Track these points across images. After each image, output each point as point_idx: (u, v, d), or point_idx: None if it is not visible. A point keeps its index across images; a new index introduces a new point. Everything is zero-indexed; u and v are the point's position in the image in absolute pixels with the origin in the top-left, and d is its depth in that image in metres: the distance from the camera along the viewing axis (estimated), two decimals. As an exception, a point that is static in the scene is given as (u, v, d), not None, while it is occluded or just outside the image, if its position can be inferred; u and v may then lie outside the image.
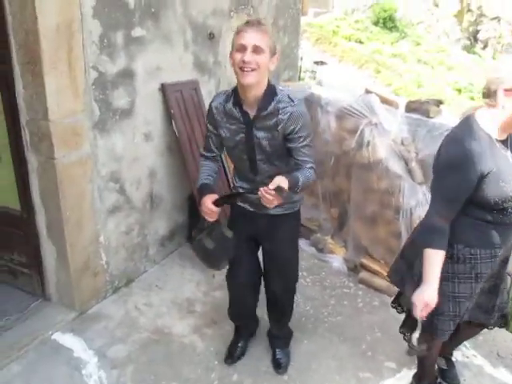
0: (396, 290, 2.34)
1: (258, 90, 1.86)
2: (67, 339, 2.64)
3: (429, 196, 3.27)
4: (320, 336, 2.73)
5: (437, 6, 18.25)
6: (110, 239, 3.00)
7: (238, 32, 1.81)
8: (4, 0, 2.25)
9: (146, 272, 3.31)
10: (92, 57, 2.56)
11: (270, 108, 1.88)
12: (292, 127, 1.89)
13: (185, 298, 3.05)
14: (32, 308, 2.88)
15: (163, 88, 3.14)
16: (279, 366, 2.46)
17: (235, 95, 1.92)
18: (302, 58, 6.64)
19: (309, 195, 3.92)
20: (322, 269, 3.45)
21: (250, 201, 2.06)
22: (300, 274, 3.29)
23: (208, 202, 1.93)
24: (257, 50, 1.76)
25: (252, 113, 1.90)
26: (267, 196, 1.77)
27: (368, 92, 3.48)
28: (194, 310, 2.94)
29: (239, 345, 2.56)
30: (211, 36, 3.47)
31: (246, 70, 1.76)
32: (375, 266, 3.25)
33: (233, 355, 2.51)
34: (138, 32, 2.80)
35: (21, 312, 2.84)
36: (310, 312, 2.94)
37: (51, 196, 2.63)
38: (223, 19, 3.58)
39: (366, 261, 3.30)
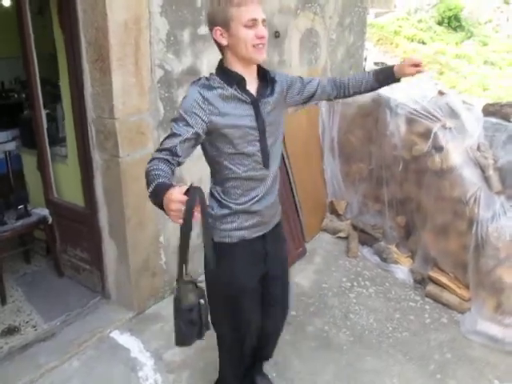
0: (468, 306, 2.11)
1: (256, 66, 1.66)
2: (125, 339, 2.62)
3: (507, 206, 3.04)
4: (384, 352, 2.56)
5: (507, 3, 17.25)
6: (170, 240, 2.96)
7: (240, 5, 1.49)
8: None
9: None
10: (159, 54, 2.53)
11: (271, 80, 1.70)
12: (288, 84, 1.77)
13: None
14: (91, 305, 2.90)
15: (227, 87, 3.08)
16: None
17: (230, 77, 1.59)
18: (366, 59, 6.41)
19: (373, 201, 3.74)
20: (386, 279, 3.26)
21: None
22: (362, 283, 3.18)
23: (176, 192, 1.25)
24: (264, 23, 1.57)
25: (253, 91, 1.63)
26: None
27: (442, 93, 3.26)
28: (251, 316, 2.85)
29: None
30: (277, 34, 3.37)
31: (260, 45, 1.54)
32: (444, 280, 3.03)
33: None
34: (204, 30, 2.75)
35: (81, 308, 2.86)
36: (373, 325, 2.77)
37: (114, 194, 2.62)
38: (289, 17, 3.48)
39: (434, 273, 3.08)
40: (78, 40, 2.37)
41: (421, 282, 3.16)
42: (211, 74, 1.63)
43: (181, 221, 1.27)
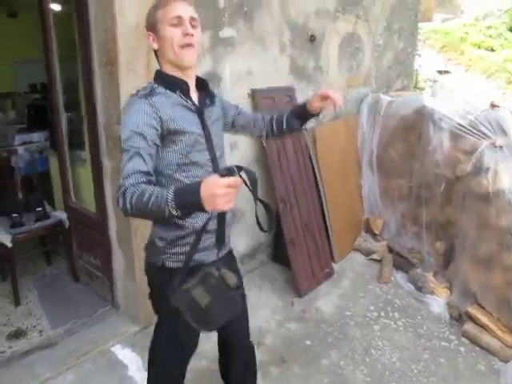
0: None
1: (194, 72, 1.55)
2: (125, 354, 2.49)
3: None
4: (406, 399, 2.27)
5: None
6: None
7: (165, 5, 1.44)
8: (88, 2, 2.16)
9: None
10: (174, 58, 2.39)
11: (212, 93, 1.61)
12: (223, 102, 1.73)
13: (256, 327, 2.75)
14: (99, 314, 2.81)
15: (253, 94, 2.90)
16: None
17: (171, 83, 1.49)
18: (420, 66, 6.00)
19: (412, 222, 3.42)
20: (419, 311, 2.93)
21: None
22: (391, 314, 2.88)
23: (217, 179, 1.16)
24: (193, 22, 1.45)
25: (195, 99, 1.53)
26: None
27: (494, 106, 2.89)
28: (263, 343, 2.64)
29: None
30: (312, 38, 3.14)
31: (186, 46, 1.43)
32: (484, 319, 2.66)
33: None
34: (226, 33, 2.59)
35: (89, 316, 2.78)
36: (396, 365, 2.47)
37: (124, 202, 2.51)
38: (327, 20, 3.24)
39: (473, 310, 2.73)
40: (90, 43, 2.28)
41: (458, 318, 2.81)
42: (149, 83, 1.50)
43: (232, 204, 1.16)
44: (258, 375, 2.36)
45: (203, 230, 1.37)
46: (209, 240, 1.56)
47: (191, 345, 1.70)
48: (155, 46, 1.48)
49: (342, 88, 3.55)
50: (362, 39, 3.65)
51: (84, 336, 2.62)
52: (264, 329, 2.75)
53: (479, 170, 2.73)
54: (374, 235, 3.69)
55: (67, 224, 3.03)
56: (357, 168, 3.76)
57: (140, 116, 1.37)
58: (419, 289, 3.08)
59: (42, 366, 2.38)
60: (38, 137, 3.67)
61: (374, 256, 3.50)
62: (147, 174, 1.33)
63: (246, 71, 2.80)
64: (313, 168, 3.31)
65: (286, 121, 1.75)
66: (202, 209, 1.17)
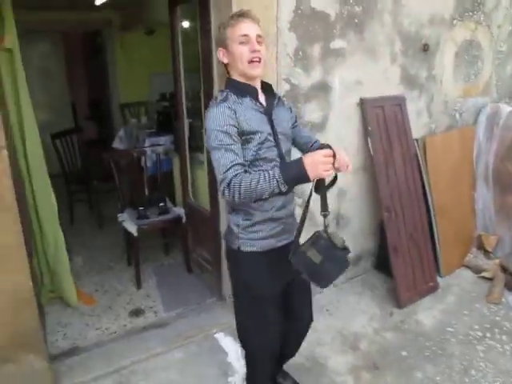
0: None
1: (260, 80, 1.75)
2: (227, 342, 2.70)
3: None
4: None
5: None
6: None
7: (234, 25, 1.64)
8: (211, 22, 2.44)
9: (321, 293, 3.14)
10: (285, 69, 2.56)
11: (275, 94, 1.79)
12: (290, 107, 1.93)
13: (352, 332, 2.81)
14: (207, 304, 3.08)
15: (362, 103, 2.96)
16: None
17: (242, 89, 1.68)
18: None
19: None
20: (533, 336, 2.74)
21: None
22: (498, 336, 2.74)
23: (319, 152, 1.48)
24: (260, 39, 1.66)
25: (263, 101, 1.73)
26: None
27: None
28: (357, 347, 2.68)
29: None
30: (426, 47, 3.11)
31: (255, 61, 1.63)
32: None
33: None
34: (337, 44, 2.69)
35: (198, 304, 3.07)
36: (498, 390, 2.35)
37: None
38: (443, 28, 3.17)
39: None
40: (211, 57, 2.54)
41: None
42: (221, 91, 1.72)
43: (331, 172, 1.48)
44: (350, 379, 2.44)
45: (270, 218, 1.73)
46: (278, 227, 1.78)
47: (271, 323, 1.88)
48: (225, 61, 1.70)
49: (456, 97, 3.44)
50: (482, 46, 3.49)
51: (192, 321, 2.89)
52: (360, 334, 2.78)
53: None
54: (486, 252, 3.49)
55: (184, 219, 3.36)
56: (471, 181, 3.59)
57: (222, 117, 1.59)
58: (534, 312, 2.87)
59: (154, 342, 2.70)
60: (164, 140, 4.11)
61: (485, 274, 3.32)
62: (242, 164, 1.56)
63: (356, 81, 2.87)
64: (421, 179, 3.25)
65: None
66: (306, 179, 1.46)
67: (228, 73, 1.75)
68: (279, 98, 1.81)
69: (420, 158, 3.24)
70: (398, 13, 2.90)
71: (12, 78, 2.56)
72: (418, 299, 3.10)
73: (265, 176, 1.48)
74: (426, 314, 2.97)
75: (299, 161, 1.47)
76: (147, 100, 6.35)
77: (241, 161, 1.56)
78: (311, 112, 2.76)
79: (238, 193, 1.49)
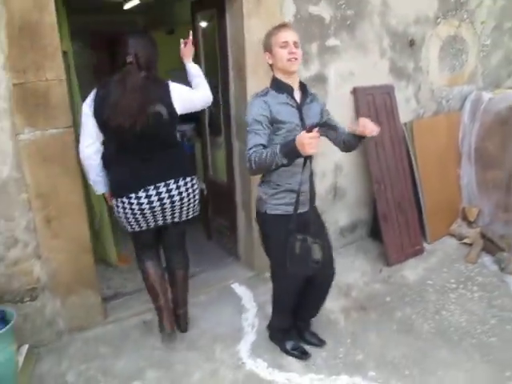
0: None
1: (297, 78, 2.26)
2: (241, 290, 3.30)
3: None
4: (462, 349, 2.64)
5: None
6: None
7: (276, 33, 2.17)
8: (226, 26, 3.00)
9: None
10: (288, 64, 3.10)
11: (310, 93, 2.29)
12: (323, 106, 2.41)
13: (346, 283, 3.34)
14: (225, 262, 3.67)
15: (354, 91, 3.48)
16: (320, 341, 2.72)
17: (281, 87, 2.20)
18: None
19: (504, 210, 3.67)
20: (498, 288, 3.23)
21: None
22: (470, 287, 3.25)
23: (304, 134, 1.85)
24: (296, 44, 2.16)
25: (298, 99, 2.23)
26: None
27: None
28: (349, 295, 3.22)
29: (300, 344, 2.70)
30: (412, 43, 3.61)
31: (292, 60, 2.13)
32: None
33: (306, 351, 2.66)
34: (331, 42, 3.22)
35: (216, 264, 3.65)
36: (461, 325, 2.86)
37: (246, 175, 3.29)
38: (427, 26, 3.67)
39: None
40: (227, 55, 3.10)
41: (533, 295, 3.06)
42: (266, 87, 2.26)
43: (315, 150, 1.85)
44: (341, 316, 2.98)
45: (292, 190, 2.21)
46: (303, 197, 2.24)
47: (298, 277, 2.37)
48: (270, 62, 2.24)
49: (442, 86, 3.93)
50: (466, 41, 3.96)
51: (213, 274, 3.49)
52: (352, 285, 3.33)
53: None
54: (469, 223, 3.98)
55: (205, 192, 3.94)
56: (457, 160, 4.08)
57: (257, 109, 2.13)
58: (502, 269, 3.36)
59: (183, 289, 3.30)
60: (187, 127, 4.70)
61: (466, 240, 3.81)
62: (263, 145, 2.06)
63: (349, 72, 3.39)
64: (409, 157, 3.76)
65: (345, 141, 2.32)
66: (298, 154, 1.88)
67: (272, 71, 2.26)
68: (313, 95, 2.31)
69: (408, 139, 3.75)
70: (386, 14, 3.40)
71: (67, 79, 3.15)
72: (404, 259, 3.62)
73: (271, 151, 1.96)
74: (411, 271, 3.50)
75: (293, 140, 1.90)
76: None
77: (263, 142, 2.05)
78: (311, 99, 3.30)
79: (254, 163, 2.01)
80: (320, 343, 2.71)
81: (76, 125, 2.69)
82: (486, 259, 3.59)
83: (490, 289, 3.23)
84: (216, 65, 3.40)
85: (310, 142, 1.84)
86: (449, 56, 3.90)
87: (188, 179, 2.50)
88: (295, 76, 2.24)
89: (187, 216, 2.62)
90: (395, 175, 3.64)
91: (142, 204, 2.41)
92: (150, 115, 2.30)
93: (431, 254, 3.73)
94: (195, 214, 2.68)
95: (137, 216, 2.46)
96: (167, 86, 2.40)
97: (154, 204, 2.42)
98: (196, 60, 3.63)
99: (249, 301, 3.16)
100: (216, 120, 3.81)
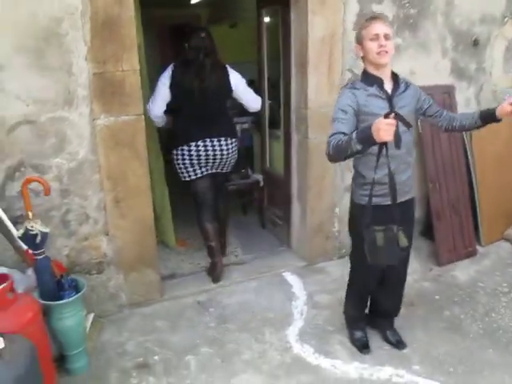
0: None
1: (389, 70, 2.23)
2: (292, 278, 3.42)
3: None
4: (510, 353, 2.63)
5: None
6: (344, 212, 3.57)
7: (367, 26, 2.16)
8: (291, 22, 3.11)
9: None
10: (349, 61, 3.18)
11: (401, 82, 2.26)
12: (419, 94, 2.33)
13: (395, 279, 3.39)
14: (277, 251, 3.81)
15: (415, 90, 3.49)
16: (400, 342, 2.71)
17: (370, 79, 2.20)
18: None
19: None
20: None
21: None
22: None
23: (381, 119, 1.82)
24: (387, 37, 2.13)
25: (389, 90, 2.21)
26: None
27: None
28: (398, 291, 3.26)
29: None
30: (475, 43, 3.57)
31: (382, 52, 2.11)
32: None
33: (367, 345, 2.70)
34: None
35: (269, 251, 3.79)
36: (511, 328, 2.83)
37: (303, 167, 3.41)
38: (493, 25, 3.61)
39: None
40: (290, 49, 3.22)
41: None
42: (356, 80, 2.30)
43: (391, 137, 1.83)
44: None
45: (379, 182, 2.18)
46: (382, 190, 2.23)
47: (375, 267, 2.41)
48: (361, 54, 2.23)
49: (506, 87, 3.85)
50: (534, 41, 3.86)
51: (265, 262, 3.63)
52: (401, 282, 3.36)
53: None
54: (527, 228, 3.90)
55: (261, 183, 4.09)
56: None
57: (345, 99, 2.18)
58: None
59: (236, 274, 3.47)
60: (245, 119, 4.85)
61: (523, 245, 3.75)
62: (344, 133, 2.04)
63: (410, 71, 3.39)
64: (467, 158, 3.73)
65: (471, 121, 2.29)
66: (373, 140, 1.85)
67: (364, 63, 2.26)
68: (407, 85, 2.27)
69: (466, 140, 3.72)
70: (451, 13, 3.39)
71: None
72: (455, 260, 3.61)
73: (348, 137, 1.95)
74: (462, 271, 3.49)
75: (369, 126, 1.86)
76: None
77: (345, 131, 2.05)
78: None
79: (332, 147, 2.02)
80: (398, 345, 2.70)
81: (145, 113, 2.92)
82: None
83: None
84: (279, 59, 3.52)
85: (386, 128, 1.81)
86: (515, 57, 3.82)
87: (232, 140, 3.28)
88: (386, 68, 2.22)
89: (227, 169, 3.42)
90: (451, 176, 3.62)
91: (199, 151, 3.18)
92: (213, 86, 3.09)
93: (484, 257, 3.70)
94: (231, 169, 3.51)
95: (193, 161, 3.22)
96: (226, 69, 3.18)
97: (208, 152, 3.20)
98: (259, 54, 3.80)
99: (299, 289, 3.28)
100: (276, 113, 3.94)
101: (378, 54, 2.13)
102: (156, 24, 7.60)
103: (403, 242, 2.17)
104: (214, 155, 3.22)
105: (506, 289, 3.27)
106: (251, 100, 3.32)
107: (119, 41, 2.58)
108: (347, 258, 3.44)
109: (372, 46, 2.14)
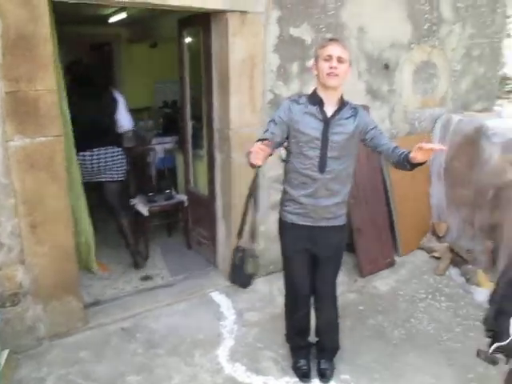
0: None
1: (337, 94, 2.23)
2: (220, 298, 3.39)
3: None
4: (430, 354, 2.81)
5: None
6: (270, 230, 3.60)
7: (324, 46, 2.18)
8: (211, 43, 3.15)
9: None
10: (270, 82, 3.27)
11: (346, 108, 2.25)
12: (366, 126, 2.27)
13: (321, 293, 3.47)
14: (204, 271, 3.76)
15: (333, 110, 3.65)
16: (324, 376, 2.60)
17: (314, 98, 2.23)
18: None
19: (470, 226, 3.88)
20: (463, 299, 3.42)
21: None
22: (438, 297, 3.42)
23: (256, 143, 1.98)
24: (340, 59, 2.14)
25: (330, 113, 2.21)
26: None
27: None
28: (324, 304, 3.35)
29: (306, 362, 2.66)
30: (386, 67, 3.82)
31: (331, 74, 2.13)
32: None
33: (307, 374, 2.62)
34: (311, 63, 3.38)
35: (196, 272, 3.73)
36: (429, 332, 3.03)
37: (227, 186, 3.41)
38: (401, 51, 3.89)
39: None
40: (211, 71, 3.24)
41: (496, 306, 3.25)
42: (304, 94, 2.35)
43: (259, 161, 1.98)
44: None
45: (295, 200, 2.31)
46: (301, 209, 2.33)
47: (297, 285, 2.50)
48: (315, 72, 2.24)
49: (415, 108, 4.16)
50: (438, 66, 4.21)
51: (192, 283, 3.57)
52: (327, 295, 3.46)
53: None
54: (438, 237, 4.18)
55: (186, 204, 4.04)
56: (427, 179, 4.29)
57: (280, 110, 2.28)
58: (467, 280, 3.56)
59: (162, 296, 3.37)
60: (169, 140, 4.81)
61: (435, 254, 4.00)
62: (265, 139, 2.11)
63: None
64: (382, 175, 3.95)
65: (398, 161, 2.24)
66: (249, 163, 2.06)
67: (317, 82, 2.26)
68: (355, 114, 2.25)
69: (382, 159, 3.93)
70: (363, 38, 3.61)
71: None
72: (377, 271, 3.78)
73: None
74: (383, 281, 3.66)
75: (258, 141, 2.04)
76: (150, 106, 7.03)
77: (268, 133, 2.21)
78: (291, 116, 3.46)
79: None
80: (321, 377, 2.61)
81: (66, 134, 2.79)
82: (453, 272, 3.78)
83: (456, 299, 3.42)
84: (200, 80, 3.54)
85: (256, 151, 1.94)
86: (421, 80, 4.14)
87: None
88: (335, 92, 2.21)
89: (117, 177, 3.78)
90: (370, 192, 3.81)
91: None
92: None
93: (402, 266, 3.91)
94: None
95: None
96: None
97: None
98: (181, 74, 3.79)
99: (227, 308, 3.25)
100: (198, 133, 3.94)
101: (328, 75, 2.14)
102: (74, 42, 7.40)
103: (250, 268, 2.37)
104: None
105: (422, 295, 3.48)
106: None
107: (33, 59, 2.46)
108: (275, 275, 3.52)
109: (324, 67, 2.15)
